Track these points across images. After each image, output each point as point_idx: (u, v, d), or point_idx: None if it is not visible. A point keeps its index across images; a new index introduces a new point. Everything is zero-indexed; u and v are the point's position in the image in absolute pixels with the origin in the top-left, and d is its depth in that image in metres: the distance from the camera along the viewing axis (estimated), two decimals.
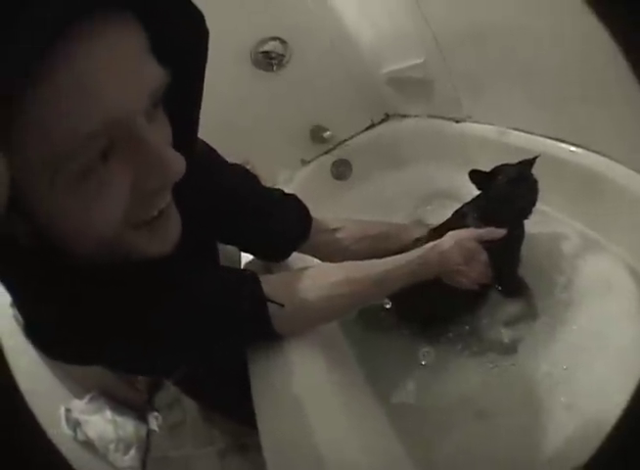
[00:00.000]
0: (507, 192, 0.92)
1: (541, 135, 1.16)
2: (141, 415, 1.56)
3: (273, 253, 0.95)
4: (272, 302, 0.69)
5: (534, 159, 0.94)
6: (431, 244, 0.88)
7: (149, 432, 1.53)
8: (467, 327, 1.00)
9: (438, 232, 0.97)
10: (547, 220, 1.12)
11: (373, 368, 0.98)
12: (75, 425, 1.40)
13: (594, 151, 1.03)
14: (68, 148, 0.37)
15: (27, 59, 0.32)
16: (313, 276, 0.78)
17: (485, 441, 0.82)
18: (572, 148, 1.07)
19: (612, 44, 0.36)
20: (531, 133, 1.20)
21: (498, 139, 1.29)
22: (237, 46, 1.48)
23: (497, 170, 0.96)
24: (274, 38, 1.51)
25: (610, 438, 0.35)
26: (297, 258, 0.98)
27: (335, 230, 1.00)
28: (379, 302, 1.09)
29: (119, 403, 1.53)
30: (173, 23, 0.46)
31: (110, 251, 0.48)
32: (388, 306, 1.08)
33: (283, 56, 1.55)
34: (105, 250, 0.48)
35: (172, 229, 0.54)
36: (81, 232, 0.45)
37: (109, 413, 1.46)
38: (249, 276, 0.72)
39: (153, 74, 0.43)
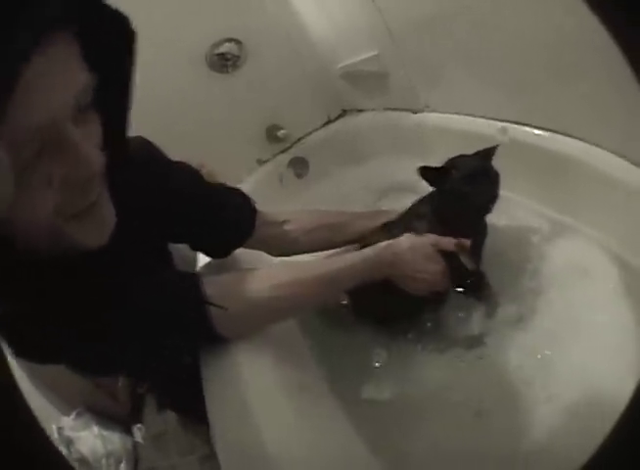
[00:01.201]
0: (463, 189, 0.84)
1: (503, 120, 1.12)
2: (126, 428, 1.54)
3: (219, 248, 0.94)
4: (212, 304, 0.69)
5: (494, 148, 0.87)
6: (385, 243, 0.84)
7: (135, 444, 1.52)
8: (429, 324, 0.94)
9: (391, 229, 0.94)
10: (512, 208, 1.07)
11: (333, 366, 0.94)
12: (68, 443, 1.40)
13: (560, 132, 0.99)
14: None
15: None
16: (259, 278, 0.77)
17: (456, 438, 0.77)
18: (537, 131, 1.03)
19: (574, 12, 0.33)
20: (493, 119, 1.15)
21: (458, 127, 1.27)
22: (192, 49, 1.48)
23: (451, 164, 0.87)
24: (229, 40, 1.52)
25: (610, 436, 0.34)
26: (249, 255, 0.96)
27: (283, 222, 0.99)
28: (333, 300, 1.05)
29: (104, 417, 1.52)
30: (101, 28, 0.48)
31: (52, 242, 0.51)
32: (344, 303, 1.04)
33: (238, 57, 1.56)
34: (46, 241, 0.50)
35: (106, 219, 0.56)
36: (20, 223, 0.46)
37: (95, 428, 1.46)
38: (190, 278, 0.73)
39: (79, 81, 0.46)
